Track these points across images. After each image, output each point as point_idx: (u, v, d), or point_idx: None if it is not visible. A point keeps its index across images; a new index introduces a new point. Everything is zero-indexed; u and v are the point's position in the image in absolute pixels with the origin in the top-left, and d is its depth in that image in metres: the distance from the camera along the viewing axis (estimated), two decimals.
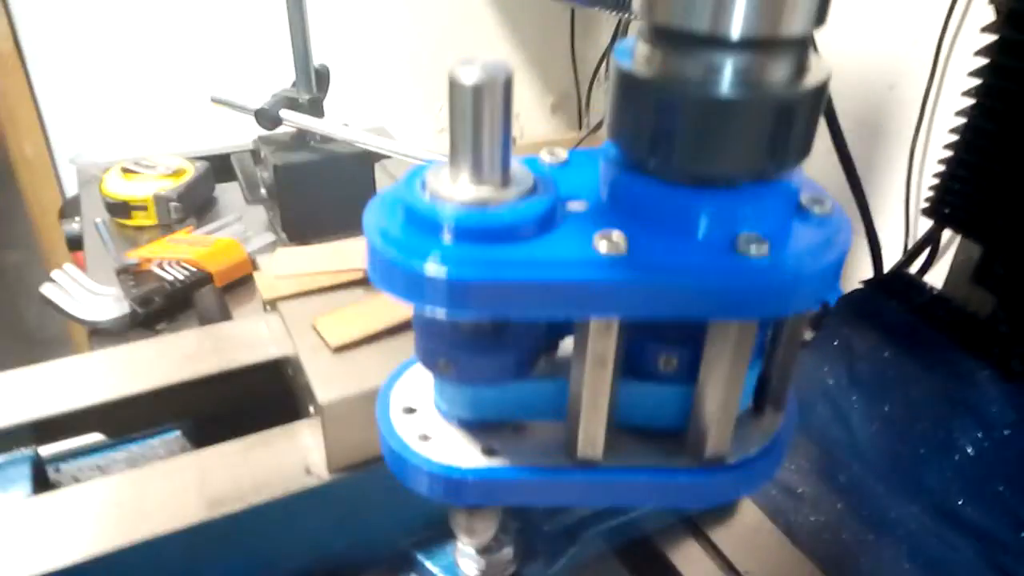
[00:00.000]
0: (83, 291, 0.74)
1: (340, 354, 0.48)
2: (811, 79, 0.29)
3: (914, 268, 1.00)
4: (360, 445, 0.45)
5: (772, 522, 0.62)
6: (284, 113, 0.85)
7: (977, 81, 0.68)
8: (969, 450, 0.75)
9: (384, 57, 1.72)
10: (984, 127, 0.68)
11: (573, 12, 1.84)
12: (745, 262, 0.30)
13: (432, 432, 0.37)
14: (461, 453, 0.36)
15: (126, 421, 0.50)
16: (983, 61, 0.67)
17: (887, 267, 1.04)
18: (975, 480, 0.73)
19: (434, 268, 0.29)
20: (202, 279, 0.77)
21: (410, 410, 0.39)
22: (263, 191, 0.91)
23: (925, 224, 0.95)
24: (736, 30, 0.27)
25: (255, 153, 0.94)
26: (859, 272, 1.07)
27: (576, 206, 0.33)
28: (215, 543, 0.42)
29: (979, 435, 0.75)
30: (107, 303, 0.73)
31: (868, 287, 0.86)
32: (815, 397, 0.84)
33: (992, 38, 0.66)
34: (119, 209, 0.92)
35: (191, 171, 0.97)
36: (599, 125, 1.71)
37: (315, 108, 0.90)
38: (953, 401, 0.78)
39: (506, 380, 0.35)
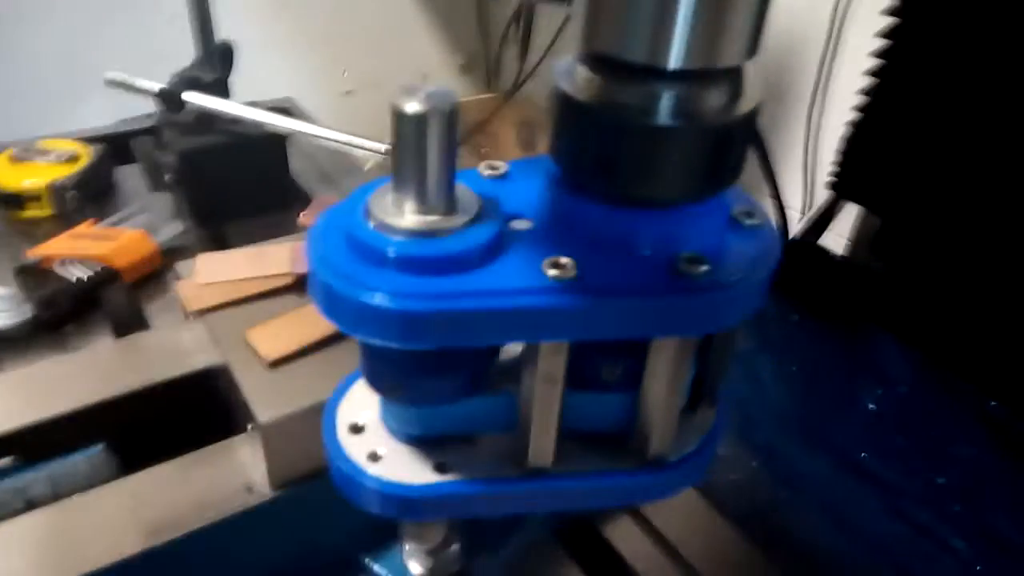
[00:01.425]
0: None
1: (275, 368, 0.47)
2: (745, 104, 0.30)
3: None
4: (302, 459, 0.45)
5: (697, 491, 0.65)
6: (188, 95, 0.80)
7: (877, 62, 0.72)
8: (871, 406, 0.81)
9: (282, 20, 1.65)
10: (884, 108, 0.72)
11: None
12: (687, 282, 0.31)
13: (381, 450, 0.37)
14: (412, 470, 0.36)
15: (46, 446, 0.48)
16: (882, 43, 0.71)
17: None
18: (877, 434, 0.79)
19: (383, 301, 0.29)
20: (109, 276, 0.73)
21: (357, 428, 0.38)
22: (167, 177, 0.86)
23: (824, 179, 0.99)
24: (674, 61, 0.27)
25: (156, 136, 0.89)
26: None
27: (521, 224, 0.34)
28: (157, 573, 0.41)
29: (879, 391, 0.81)
30: (6, 306, 0.69)
31: None
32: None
33: (892, 21, 0.69)
34: (11, 200, 0.85)
35: (87, 157, 0.91)
36: (514, 90, 1.69)
37: (220, 88, 0.86)
38: (856, 361, 0.84)
39: (456, 399, 0.36)
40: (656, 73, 0.28)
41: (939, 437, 0.75)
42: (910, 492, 0.72)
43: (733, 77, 0.30)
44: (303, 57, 1.72)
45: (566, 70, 0.32)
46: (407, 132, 0.29)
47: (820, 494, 0.75)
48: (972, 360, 0.74)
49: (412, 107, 0.28)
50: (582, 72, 0.31)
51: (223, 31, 0.89)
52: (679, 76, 0.28)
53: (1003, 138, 0.63)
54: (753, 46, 0.29)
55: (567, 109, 0.31)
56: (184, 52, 0.91)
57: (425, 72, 1.93)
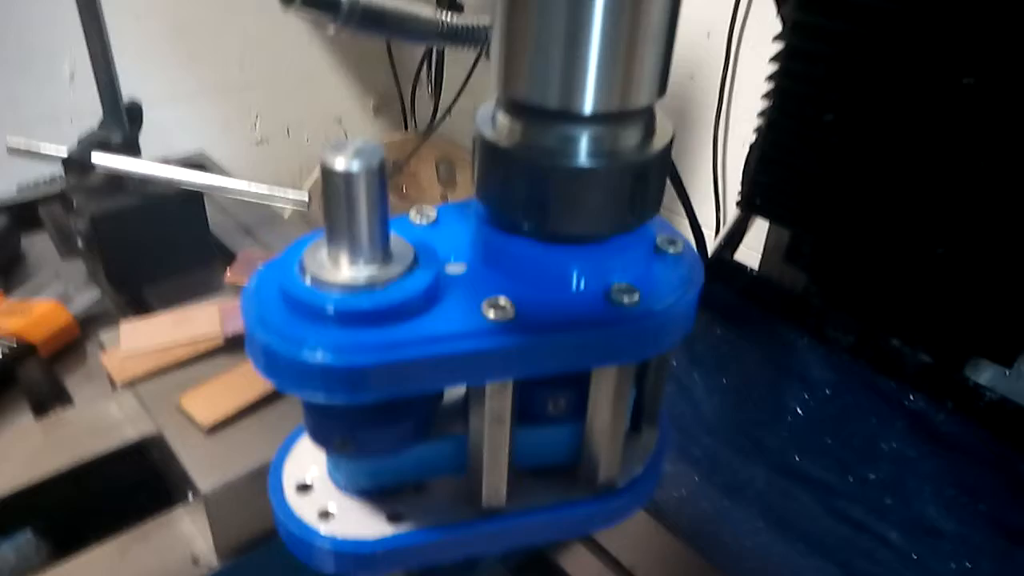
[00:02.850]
0: None
1: (213, 433, 0.46)
2: (659, 140, 0.32)
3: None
4: (248, 525, 0.43)
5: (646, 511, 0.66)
6: (97, 157, 0.78)
7: (771, 85, 0.76)
8: (799, 410, 0.84)
9: (189, 72, 1.62)
10: (782, 127, 0.76)
11: None
12: (621, 311, 0.32)
13: (331, 507, 0.37)
14: (366, 524, 0.36)
15: None
16: (775, 67, 0.75)
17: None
18: (806, 436, 0.82)
19: (325, 358, 0.29)
20: (25, 352, 0.70)
21: (304, 487, 0.38)
22: (79, 243, 0.83)
23: (734, 194, 1.03)
24: (589, 106, 0.29)
25: (65, 201, 0.86)
26: None
27: (455, 268, 0.34)
28: None
29: (805, 396, 0.85)
30: None
31: None
32: None
33: (781, 46, 0.74)
34: None
35: None
36: (430, 129, 1.71)
37: (129, 148, 0.83)
38: (780, 368, 0.87)
39: (404, 447, 0.35)
40: (573, 117, 0.29)
41: (865, 434, 0.79)
42: (843, 490, 0.76)
43: (646, 116, 0.32)
44: (212, 108, 1.70)
45: (486, 116, 0.33)
46: (337, 188, 0.29)
47: (759, 501, 0.78)
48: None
49: (340, 164, 0.29)
50: (502, 118, 0.32)
51: (127, 86, 0.87)
52: (595, 119, 0.29)
53: (887, 144, 0.68)
54: (662, 86, 0.31)
55: (491, 155, 0.32)
56: (87, 111, 0.89)
57: (338, 115, 1.93)
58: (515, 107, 0.31)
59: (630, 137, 0.31)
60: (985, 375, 0.74)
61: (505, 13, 0.29)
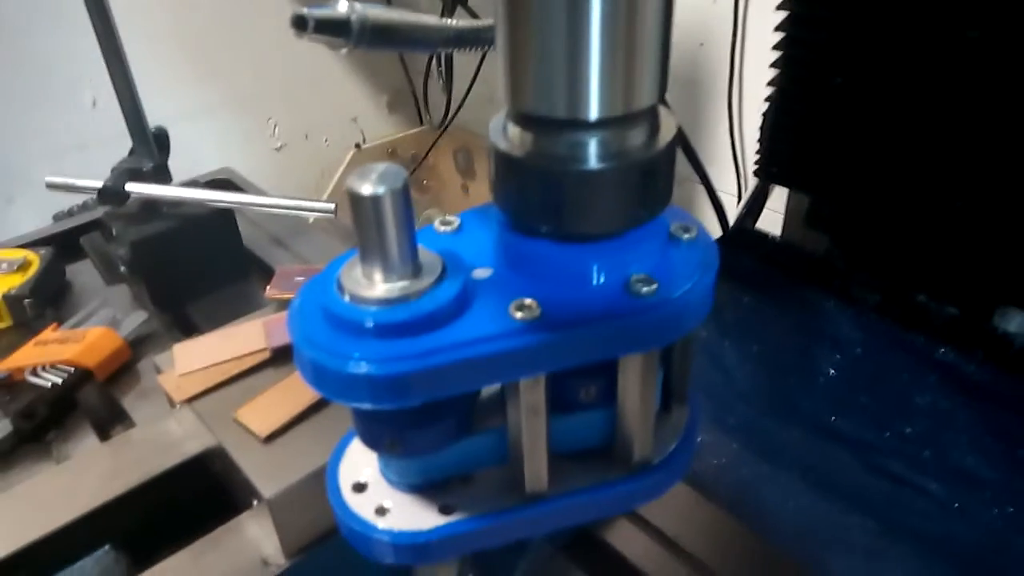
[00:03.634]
0: None
1: (270, 442, 0.49)
2: (664, 135, 0.34)
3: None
4: (311, 524, 0.46)
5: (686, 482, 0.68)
6: (130, 186, 0.81)
7: (779, 54, 0.76)
8: (831, 371, 0.85)
9: (204, 86, 1.65)
10: (792, 94, 0.77)
11: None
12: (641, 302, 0.34)
13: (387, 503, 0.39)
14: (420, 517, 0.38)
15: (54, 559, 0.49)
16: (781, 35, 0.76)
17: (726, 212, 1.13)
18: (840, 396, 0.83)
19: (368, 368, 0.32)
20: (82, 377, 0.74)
21: (360, 487, 0.40)
22: (122, 268, 0.87)
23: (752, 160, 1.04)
24: (594, 113, 0.31)
25: (104, 229, 0.89)
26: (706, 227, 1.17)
27: (482, 273, 0.36)
28: None
29: (837, 356, 0.86)
30: None
31: (719, 243, 0.95)
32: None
33: (785, 14, 0.74)
34: None
35: (37, 261, 0.91)
36: (445, 122, 1.73)
37: (160, 174, 0.87)
38: (809, 332, 0.89)
39: (449, 444, 0.38)
40: (581, 125, 0.31)
41: (898, 390, 0.80)
42: (881, 446, 0.77)
43: (650, 115, 0.33)
44: (231, 120, 1.73)
45: (498, 128, 0.35)
46: (366, 213, 0.31)
47: (799, 462, 0.79)
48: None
49: (367, 189, 0.31)
50: (513, 129, 0.34)
51: (145, 105, 0.89)
52: (601, 124, 0.31)
53: (896, 103, 0.68)
54: (663, 86, 0.32)
55: (506, 164, 0.34)
56: (111, 134, 0.92)
57: (353, 115, 1.95)
58: (525, 118, 0.33)
59: (636, 137, 0.33)
60: (1014, 323, 0.74)
61: (507, 33, 0.31)
